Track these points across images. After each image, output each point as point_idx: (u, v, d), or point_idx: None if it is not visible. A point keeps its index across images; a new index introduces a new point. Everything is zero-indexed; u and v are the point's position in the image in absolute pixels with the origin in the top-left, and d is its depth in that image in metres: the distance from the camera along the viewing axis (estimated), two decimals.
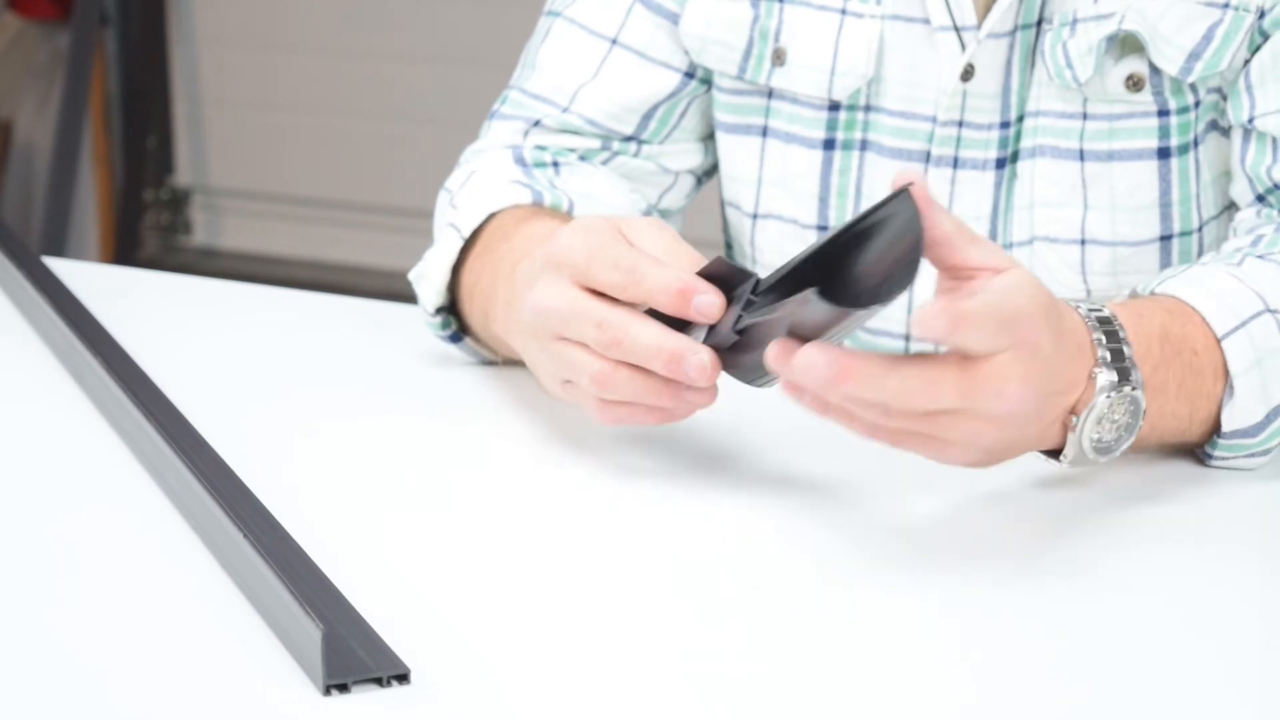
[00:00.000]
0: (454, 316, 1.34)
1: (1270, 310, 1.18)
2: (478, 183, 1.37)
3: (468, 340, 1.35)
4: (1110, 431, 1.12)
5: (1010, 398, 1.05)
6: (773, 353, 1.03)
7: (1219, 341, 1.16)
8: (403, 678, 0.92)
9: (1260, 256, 1.22)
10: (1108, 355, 1.11)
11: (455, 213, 1.34)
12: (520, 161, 1.39)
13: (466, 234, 1.32)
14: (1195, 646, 0.98)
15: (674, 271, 1.09)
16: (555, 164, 1.39)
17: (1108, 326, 1.12)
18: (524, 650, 0.96)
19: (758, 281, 1.07)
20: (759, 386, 1.11)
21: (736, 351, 1.10)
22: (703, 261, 1.11)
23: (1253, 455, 1.18)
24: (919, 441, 1.06)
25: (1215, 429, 1.18)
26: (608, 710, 0.91)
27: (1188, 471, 1.19)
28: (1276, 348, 1.17)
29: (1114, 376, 1.11)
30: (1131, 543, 1.09)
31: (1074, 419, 1.11)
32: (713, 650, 0.97)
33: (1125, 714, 0.92)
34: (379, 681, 0.92)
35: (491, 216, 1.32)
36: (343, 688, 0.91)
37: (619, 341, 1.10)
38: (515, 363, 1.29)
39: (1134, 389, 1.11)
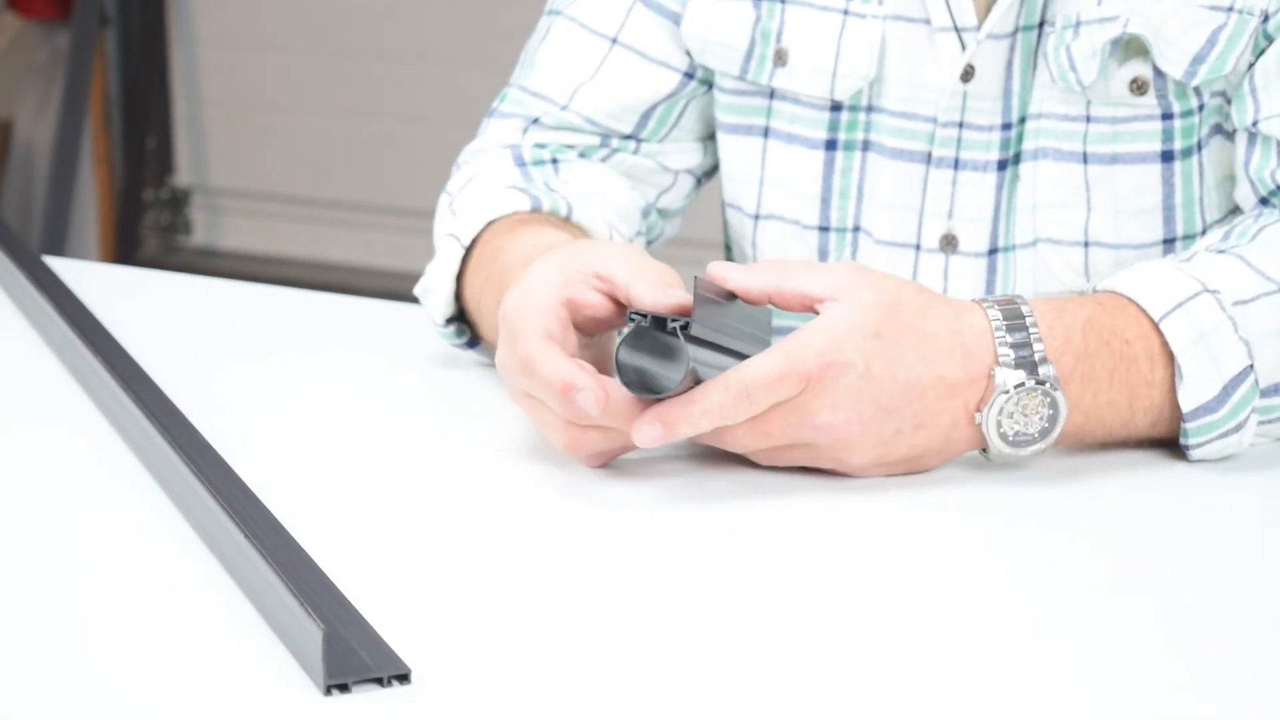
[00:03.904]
0: (465, 324, 1.34)
1: (1209, 290, 1.17)
2: (476, 188, 1.36)
3: (485, 344, 1.34)
4: (1031, 424, 1.14)
5: (832, 429, 1.11)
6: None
7: (1156, 325, 1.16)
8: (403, 678, 0.92)
9: (1220, 251, 1.21)
10: (1010, 353, 1.13)
11: (455, 221, 1.34)
12: (519, 162, 1.39)
13: (466, 243, 1.32)
14: (1191, 642, 0.98)
15: (562, 367, 1.09)
16: (554, 161, 1.39)
17: (1015, 321, 1.14)
18: (524, 651, 0.96)
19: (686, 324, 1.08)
20: None
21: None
22: (669, 273, 1.13)
23: (1225, 435, 1.17)
24: (809, 458, 1.13)
25: (1170, 420, 1.18)
26: (607, 710, 0.91)
27: (1180, 469, 1.19)
28: (1220, 322, 1.16)
29: (1015, 372, 1.12)
30: (1130, 545, 1.09)
31: (978, 415, 1.13)
32: (712, 651, 0.96)
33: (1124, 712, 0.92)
34: (379, 681, 0.92)
35: (490, 224, 1.32)
36: (343, 688, 0.91)
37: (530, 373, 1.11)
38: None
39: (1042, 382, 1.12)
